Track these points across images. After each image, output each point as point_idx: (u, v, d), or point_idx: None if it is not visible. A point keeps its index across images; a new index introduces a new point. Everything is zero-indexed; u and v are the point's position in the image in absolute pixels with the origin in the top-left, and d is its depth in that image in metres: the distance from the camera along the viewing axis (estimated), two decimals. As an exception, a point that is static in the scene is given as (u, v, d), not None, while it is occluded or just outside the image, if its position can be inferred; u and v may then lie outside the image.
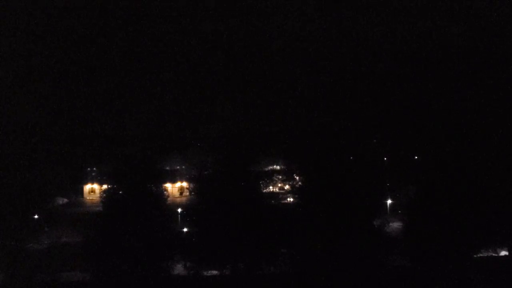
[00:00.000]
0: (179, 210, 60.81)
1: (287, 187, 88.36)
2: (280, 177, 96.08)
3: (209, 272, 46.91)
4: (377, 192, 50.18)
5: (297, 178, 58.56)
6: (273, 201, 55.21)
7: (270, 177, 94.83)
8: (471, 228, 46.25)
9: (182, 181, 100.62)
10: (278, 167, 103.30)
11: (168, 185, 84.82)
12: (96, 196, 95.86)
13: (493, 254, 50.23)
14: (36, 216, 54.14)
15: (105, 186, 55.03)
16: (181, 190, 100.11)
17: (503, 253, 51.21)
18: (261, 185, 57.82)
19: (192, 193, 67.45)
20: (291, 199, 57.97)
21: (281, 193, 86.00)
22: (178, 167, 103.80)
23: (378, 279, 44.00)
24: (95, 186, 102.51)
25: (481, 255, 48.90)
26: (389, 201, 66.54)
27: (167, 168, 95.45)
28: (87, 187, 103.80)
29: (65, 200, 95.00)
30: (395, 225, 54.30)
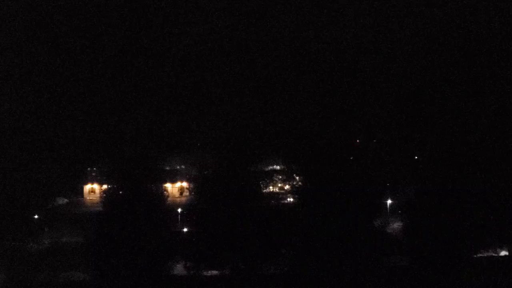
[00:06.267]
0: (179, 210, 60.73)
1: (287, 187, 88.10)
2: (280, 177, 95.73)
3: (209, 272, 46.90)
4: (377, 192, 50.18)
5: (297, 178, 58.41)
6: (273, 201, 55.13)
7: (270, 177, 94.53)
8: (471, 228, 46.23)
9: (182, 181, 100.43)
10: (278, 167, 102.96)
11: (168, 185, 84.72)
12: (96, 196, 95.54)
13: (493, 254, 50.23)
14: (36, 216, 54.19)
15: (105, 186, 55.02)
16: (181, 190, 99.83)
17: (503, 253, 51.17)
18: (261, 185, 57.76)
19: (192, 193, 67.34)
20: (291, 199, 57.89)
21: (281, 193, 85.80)
22: (178, 167, 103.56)
23: (378, 279, 44.03)
24: (95, 186, 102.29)
25: (481, 255, 48.90)
26: (389, 201, 66.47)
27: (167, 168, 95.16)
28: (87, 187, 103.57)
29: (65, 200, 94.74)
30: (395, 225, 54.31)
